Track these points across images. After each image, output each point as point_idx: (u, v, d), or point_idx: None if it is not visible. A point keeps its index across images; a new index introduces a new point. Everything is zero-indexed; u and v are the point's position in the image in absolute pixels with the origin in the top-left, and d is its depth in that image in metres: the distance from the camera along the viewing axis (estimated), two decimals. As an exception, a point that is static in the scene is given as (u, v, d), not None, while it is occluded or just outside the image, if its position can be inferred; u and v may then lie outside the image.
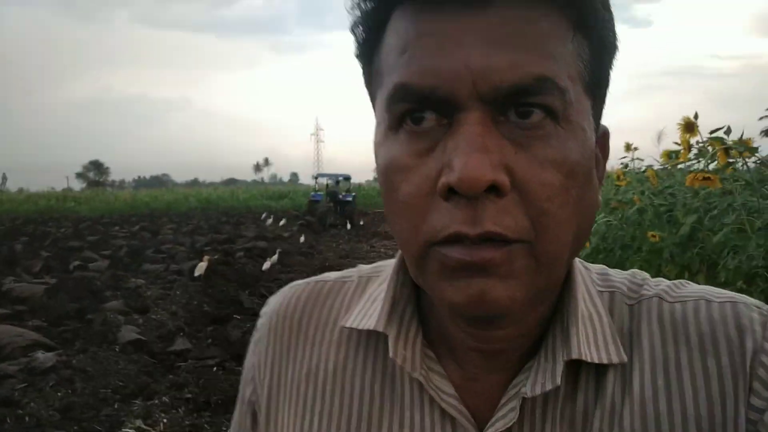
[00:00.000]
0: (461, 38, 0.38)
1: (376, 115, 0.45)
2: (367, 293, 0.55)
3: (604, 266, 0.53)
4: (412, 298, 0.51)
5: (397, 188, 0.41)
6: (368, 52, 0.45)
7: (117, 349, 4.55)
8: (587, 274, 0.51)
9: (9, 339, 4.49)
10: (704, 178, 2.67)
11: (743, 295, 0.48)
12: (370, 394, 0.51)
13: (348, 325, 0.53)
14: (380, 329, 0.49)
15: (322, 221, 17.06)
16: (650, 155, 5.23)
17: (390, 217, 0.44)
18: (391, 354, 0.47)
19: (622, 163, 5.31)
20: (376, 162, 0.45)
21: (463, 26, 0.39)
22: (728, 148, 2.69)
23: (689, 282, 0.51)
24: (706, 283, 2.53)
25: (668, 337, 0.47)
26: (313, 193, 19.89)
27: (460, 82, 0.38)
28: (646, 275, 0.52)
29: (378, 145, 0.44)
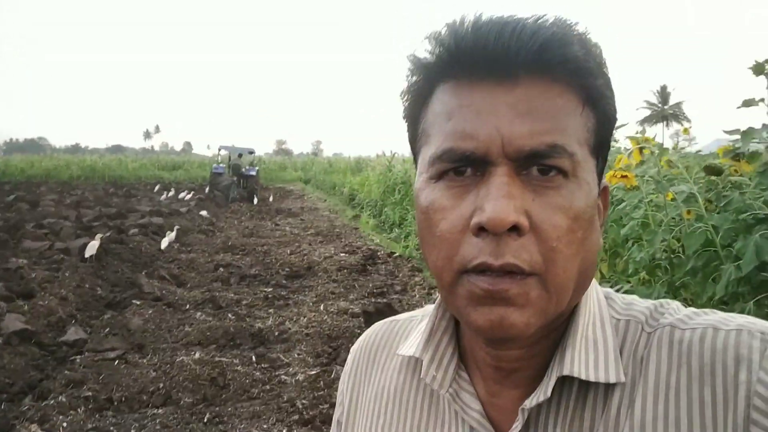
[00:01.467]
0: (494, 109, 0.49)
1: (418, 165, 0.55)
2: (420, 326, 0.65)
3: (635, 297, 0.59)
4: (449, 328, 0.61)
5: (437, 224, 0.51)
6: (415, 116, 0.56)
7: (1, 341, 4.10)
8: (605, 303, 0.58)
9: None
10: (622, 176, 2.83)
11: (757, 321, 0.51)
12: (420, 412, 0.62)
13: (400, 353, 0.64)
14: (417, 355, 0.60)
15: (225, 195, 16.84)
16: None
17: (427, 249, 0.53)
18: (422, 374, 0.60)
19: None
20: (417, 203, 0.54)
21: (495, 100, 0.49)
22: (642, 147, 2.88)
23: (716, 311, 0.54)
24: (608, 273, 2.67)
25: (674, 365, 0.51)
26: (215, 166, 19.37)
27: (492, 144, 0.49)
28: (676, 305, 0.57)
29: (420, 190, 0.54)
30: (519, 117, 0.49)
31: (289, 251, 8.47)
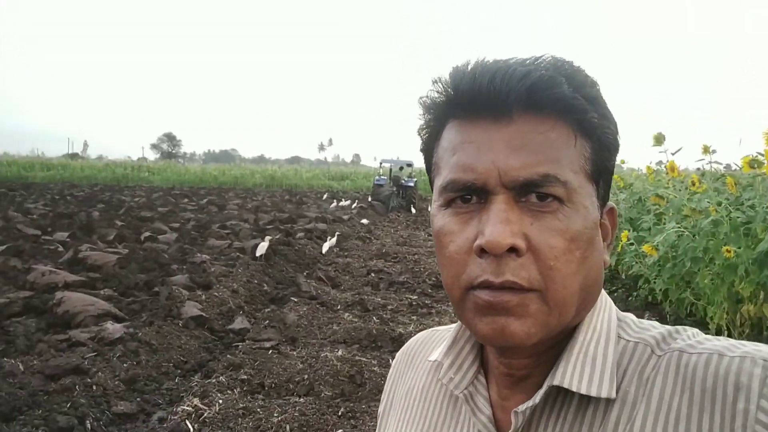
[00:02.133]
0: (491, 145, 0.55)
1: (433, 192, 0.62)
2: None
3: (655, 323, 0.61)
4: (472, 338, 0.66)
5: (447, 246, 0.57)
6: (429, 150, 0.63)
7: (180, 324, 4.75)
8: (615, 324, 0.61)
9: (82, 307, 4.77)
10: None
11: (764, 348, 0.52)
12: (440, 410, 0.69)
13: (430, 358, 0.71)
14: (439, 359, 0.67)
15: (386, 204, 18.30)
16: (731, 161, 4.91)
17: (440, 268, 0.60)
18: (440, 376, 0.66)
19: (698, 168, 5.01)
20: (432, 227, 0.60)
21: (492, 136, 0.55)
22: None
23: (729, 339, 0.55)
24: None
25: (678, 388, 0.53)
26: (377, 177, 21.21)
27: (490, 175, 0.55)
28: (694, 331, 0.58)
29: (433, 216, 0.60)
30: (513, 151, 0.54)
31: (437, 262, 8.58)
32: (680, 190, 4.94)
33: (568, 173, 0.54)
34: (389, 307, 5.84)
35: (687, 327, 0.59)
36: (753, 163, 3.69)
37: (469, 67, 0.57)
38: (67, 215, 12.55)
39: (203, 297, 5.50)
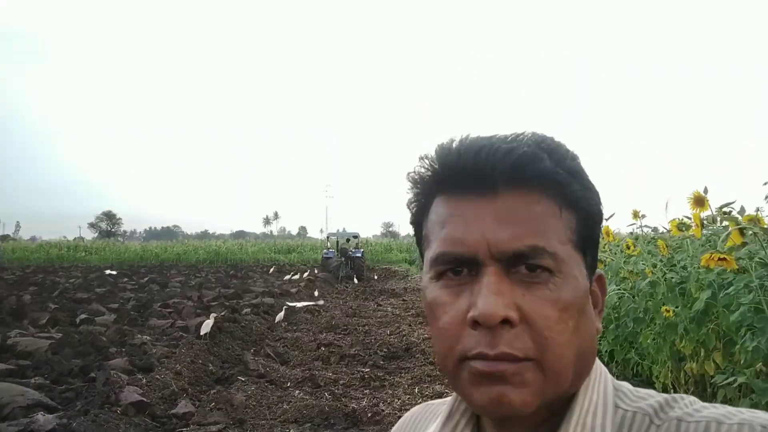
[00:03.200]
0: (479, 218, 0.56)
1: (423, 265, 0.63)
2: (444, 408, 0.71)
3: (651, 391, 0.61)
4: (468, 411, 0.65)
5: (440, 318, 0.58)
6: (418, 222, 0.64)
7: (119, 411, 4.45)
8: (612, 393, 0.61)
9: (10, 398, 4.42)
10: (720, 259, 2.64)
11: (763, 415, 0.52)
12: None
13: None
14: None
15: (335, 275, 18.90)
16: (659, 224, 5.20)
17: (433, 339, 0.60)
18: None
19: (631, 232, 5.28)
20: (424, 299, 0.61)
21: (480, 210, 0.57)
22: (742, 228, 2.68)
23: (726, 407, 0.56)
24: (722, 362, 2.45)
25: None
26: (325, 251, 22.33)
27: (479, 247, 0.55)
28: (691, 399, 0.58)
29: (424, 288, 0.61)
30: (501, 224, 0.55)
31: (388, 332, 8.51)
32: (616, 254, 5.16)
33: (555, 244, 0.56)
34: (341, 382, 5.69)
35: (684, 395, 0.60)
36: (681, 226, 3.92)
37: (454, 145, 0.59)
38: (-5, 299, 11.77)
39: (144, 381, 5.20)
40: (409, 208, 0.65)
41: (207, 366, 6.25)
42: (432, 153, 0.61)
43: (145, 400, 4.73)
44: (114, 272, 21.70)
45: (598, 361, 0.62)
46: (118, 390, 4.80)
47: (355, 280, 18.46)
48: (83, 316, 9.18)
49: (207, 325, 7.17)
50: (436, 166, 0.60)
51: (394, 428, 0.80)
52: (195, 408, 4.87)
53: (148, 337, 7.21)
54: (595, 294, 0.62)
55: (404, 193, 0.65)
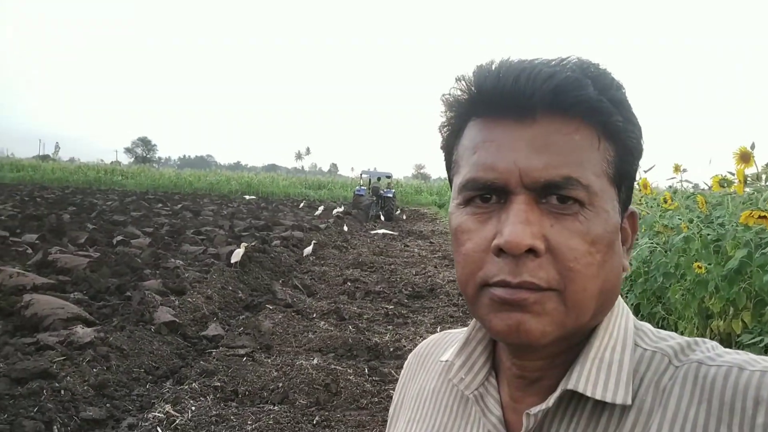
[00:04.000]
0: (513, 144, 0.55)
1: (452, 191, 0.61)
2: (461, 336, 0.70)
3: (673, 333, 0.60)
4: (484, 339, 0.66)
5: (463, 244, 0.57)
6: (449, 148, 0.63)
7: (152, 330, 4.66)
8: (632, 331, 0.60)
9: (51, 310, 4.65)
10: (760, 217, 2.56)
11: None
12: (449, 411, 0.69)
13: (441, 359, 0.71)
14: (450, 359, 0.66)
15: (366, 213, 19.03)
16: (700, 180, 5.04)
17: (455, 264, 0.59)
18: (451, 376, 0.65)
19: (670, 186, 5.13)
20: (450, 224, 0.60)
21: (515, 135, 0.55)
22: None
23: (748, 353, 0.54)
24: (751, 322, 2.41)
25: (695, 399, 0.52)
26: (357, 188, 22.22)
27: (510, 175, 0.54)
28: (713, 344, 0.57)
29: (451, 213, 0.60)
30: (535, 152, 0.53)
31: (414, 272, 8.61)
32: (653, 207, 5.04)
33: (590, 176, 0.54)
34: (365, 317, 5.83)
35: (706, 339, 0.58)
36: (723, 182, 3.79)
37: (494, 66, 0.56)
38: (37, 217, 12.25)
39: (176, 302, 5.41)
40: (440, 131, 0.63)
41: (236, 293, 6.46)
42: (469, 74, 0.58)
43: (177, 320, 4.94)
44: (252, 197, 23.85)
45: (620, 299, 0.61)
46: (152, 309, 5.02)
47: (383, 219, 18.57)
48: (119, 237, 9.49)
49: (238, 254, 7.35)
50: (473, 88, 0.57)
51: (413, 352, 0.81)
52: (224, 331, 5.08)
53: (181, 262, 7.45)
54: (626, 231, 0.61)
55: (437, 116, 0.63)
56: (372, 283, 7.65)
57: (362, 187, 21.99)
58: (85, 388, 3.58)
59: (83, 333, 4.29)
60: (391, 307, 6.35)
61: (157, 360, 4.24)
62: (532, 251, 0.52)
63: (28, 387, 3.39)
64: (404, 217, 19.88)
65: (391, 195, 20.38)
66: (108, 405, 3.50)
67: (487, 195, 0.56)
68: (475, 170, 0.56)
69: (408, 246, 12.09)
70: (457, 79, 0.59)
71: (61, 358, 3.91)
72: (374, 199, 20.07)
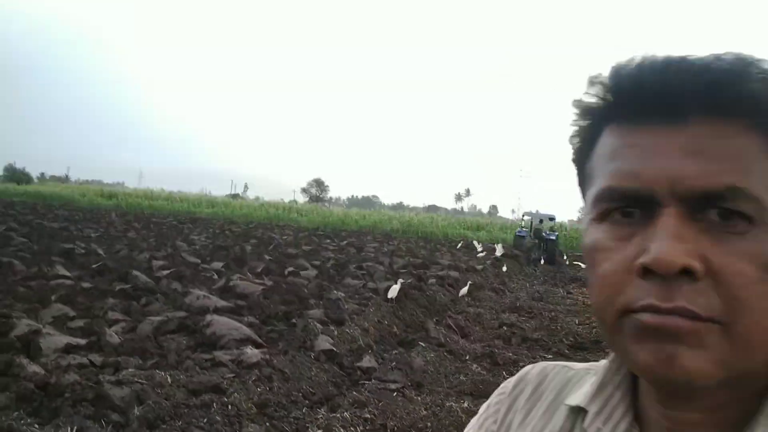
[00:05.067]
0: (660, 149, 0.46)
1: (585, 207, 0.53)
2: (593, 379, 0.61)
3: None
4: (624, 383, 0.56)
5: (600, 265, 0.48)
6: (582, 159, 0.54)
7: (312, 356, 4.89)
8: None
9: (227, 331, 5.12)
10: None
11: None
12: None
13: (567, 402, 0.61)
14: (583, 405, 0.57)
15: (527, 256, 18.41)
16: None
17: (590, 288, 0.51)
18: (585, 424, 0.56)
19: None
20: (583, 244, 0.52)
21: (663, 139, 0.46)
22: None
23: None
24: None
25: None
26: (519, 229, 21.93)
27: (658, 184, 0.45)
28: None
29: (585, 231, 0.52)
30: (689, 157, 0.45)
31: (577, 321, 8.05)
32: None
33: (759, 188, 0.44)
34: (521, 363, 5.54)
35: None
36: None
37: (634, 63, 0.48)
38: (224, 248, 13.74)
39: (335, 332, 5.64)
40: (570, 142, 0.55)
41: (392, 327, 6.56)
42: (605, 75, 0.50)
43: (335, 349, 5.13)
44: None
45: None
46: (313, 337, 5.28)
47: (544, 262, 17.83)
48: (291, 269, 10.24)
49: (395, 290, 7.50)
50: (610, 90, 0.49)
51: (518, 376, 0.69)
52: (378, 364, 5.15)
53: (343, 294, 7.79)
54: None
55: (568, 125, 0.55)
56: (530, 330, 7.29)
57: (524, 229, 21.45)
58: (249, 405, 3.84)
59: (252, 353, 4.63)
60: (549, 356, 5.98)
61: (314, 386, 4.42)
62: (687, 272, 0.42)
63: (202, 399, 3.73)
64: (567, 262, 18.85)
65: (554, 237, 19.73)
66: (267, 424, 3.70)
67: (629, 209, 0.47)
68: (613, 178, 0.47)
69: (571, 293, 11.39)
70: (591, 82, 0.51)
71: (232, 375, 4.25)
72: (536, 241, 19.45)
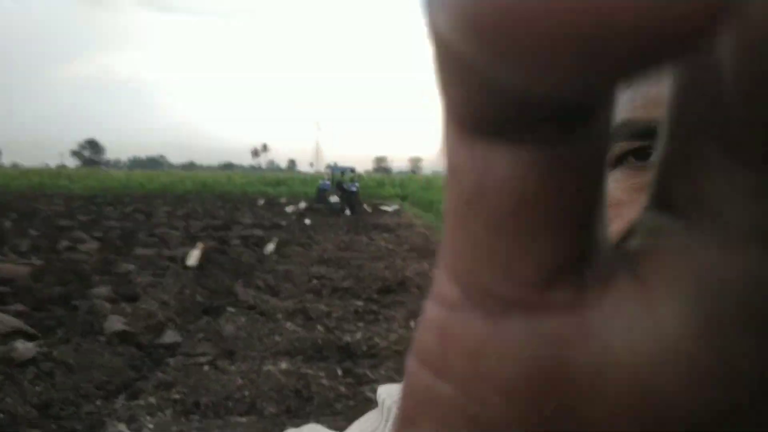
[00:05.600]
0: None
1: None
2: None
3: None
4: None
5: (611, 223, 0.29)
6: None
7: (102, 340, 4.27)
8: None
9: (-13, 325, 4.20)
10: None
11: None
12: None
13: None
14: None
15: (330, 208, 19.02)
16: None
17: None
18: None
19: None
20: None
21: None
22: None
23: None
24: None
25: None
26: (321, 182, 22.07)
27: None
28: None
29: None
30: None
31: (382, 266, 8.37)
32: None
33: None
34: (334, 315, 5.54)
35: None
36: None
37: None
38: None
39: (128, 310, 5.01)
40: None
41: (194, 296, 6.06)
42: None
43: (129, 329, 4.55)
44: None
45: None
46: (101, 319, 4.62)
47: (349, 213, 18.42)
48: (66, 243, 8.92)
49: (194, 255, 6.97)
50: None
51: None
52: (182, 338, 4.71)
53: (133, 266, 6.99)
54: None
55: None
56: (339, 279, 7.36)
57: (326, 182, 21.70)
58: (28, 409, 3.21)
59: (24, 349, 3.86)
60: (360, 303, 6.08)
61: (108, 374, 3.85)
62: None
63: (-43, 414, 3.00)
64: (370, 211, 19.76)
65: (354, 189, 20.44)
66: (54, 426, 3.14)
67: (649, 147, 0.36)
68: (631, 108, 0.35)
69: (373, 240, 11.84)
70: None
71: (1, 376, 3.50)
72: (339, 193, 19.98)
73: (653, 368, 0.12)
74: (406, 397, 0.15)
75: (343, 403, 3.52)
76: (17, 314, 4.80)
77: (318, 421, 3.28)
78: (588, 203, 0.13)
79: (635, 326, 0.12)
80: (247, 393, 3.53)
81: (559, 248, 0.13)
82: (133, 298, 5.44)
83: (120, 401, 3.50)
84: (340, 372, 4.00)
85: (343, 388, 3.70)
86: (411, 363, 0.15)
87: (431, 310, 0.15)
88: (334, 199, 19.76)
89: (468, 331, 0.14)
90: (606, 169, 0.13)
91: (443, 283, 0.14)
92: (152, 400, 3.40)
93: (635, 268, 0.13)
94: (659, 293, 0.12)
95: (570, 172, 0.12)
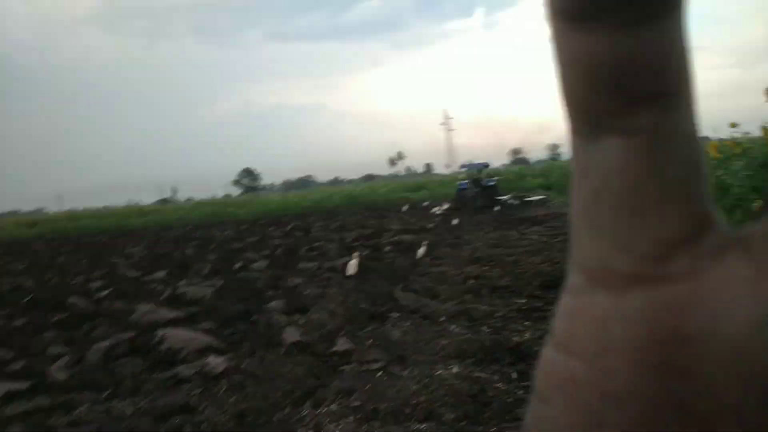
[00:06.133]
0: None
1: None
2: None
3: None
4: None
5: None
6: None
7: (282, 352, 4.54)
8: None
9: (184, 342, 4.68)
10: None
11: None
12: None
13: None
14: None
15: (474, 205, 18.75)
16: None
17: None
18: None
19: None
20: None
21: None
22: None
23: None
24: None
25: None
26: (459, 182, 21.91)
27: None
28: None
29: None
30: None
31: (539, 260, 8.01)
32: None
33: None
34: (498, 315, 5.38)
35: None
36: None
37: None
38: (164, 255, 12.99)
39: (302, 321, 5.30)
40: None
41: (358, 304, 6.26)
42: None
43: (305, 339, 4.79)
44: None
45: None
46: (279, 330, 4.92)
47: (493, 208, 18.03)
48: (240, 263, 9.74)
49: (353, 265, 7.21)
50: None
51: None
52: (354, 345, 4.85)
53: (300, 279, 7.41)
54: None
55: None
56: (496, 278, 7.17)
57: (464, 182, 21.47)
58: (226, 418, 3.47)
59: (216, 363, 4.25)
60: (523, 301, 5.84)
61: (292, 382, 4.07)
62: None
63: (171, 423, 3.33)
64: (516, 203, 19.17)
65: (493, 183, 20.28)
66: (250, 435, 3.35)
67: None
68: None
69: (524, 234, 11.43)
70: None
71: (198, 389, 3.86)
72: (477, 190, 19.74)
73: (753, 336, 0.15)
74: (541, 380, 0.19)
75: (523, 408, 3.35)
76: (207, 332, 5.30)
77: (500, 428, 3.15)
78: (691, 177, 0.16)
79: (741, 297, 0.14)
80: (423, 398, 3.52)
81: (674, 222, 0.15)
82: (304, 310, 5.75)
83: (306, 408, 3.67)
84: (514, 375, 3.84)
85: (520, 392, 3.53)
86: (545, 350, 0.19)
87: (562, 301, 0.18)
88: (473, 196, 19.54)
89: (594, 309, 0.16)
90: (702, 145, 0.16)
91: (571, 276, 0.18)
92: (334, 407, 3.51)
93: (749, 247, 0.15)
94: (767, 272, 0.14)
95: (672, 148, 0.15)
